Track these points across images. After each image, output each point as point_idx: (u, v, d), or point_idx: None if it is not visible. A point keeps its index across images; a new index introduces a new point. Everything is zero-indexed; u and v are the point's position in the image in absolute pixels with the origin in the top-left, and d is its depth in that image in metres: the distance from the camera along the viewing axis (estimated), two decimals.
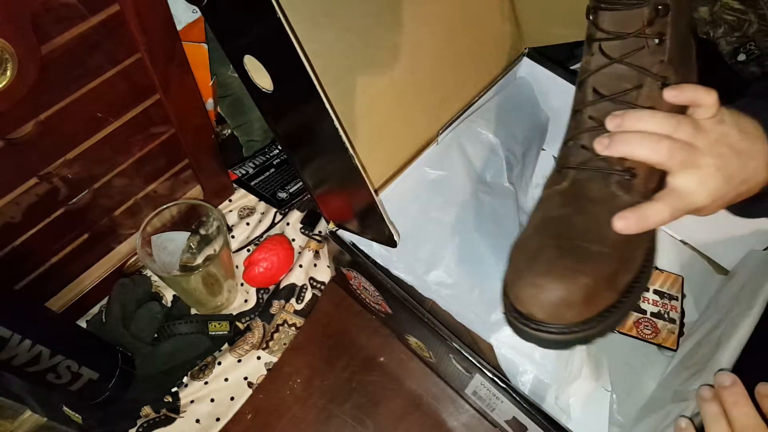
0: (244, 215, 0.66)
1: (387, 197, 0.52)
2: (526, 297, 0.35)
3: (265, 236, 0.64)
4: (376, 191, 0.42)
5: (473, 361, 0.43)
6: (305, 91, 0.35)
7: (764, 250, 0.52)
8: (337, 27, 0.44)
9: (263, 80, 0.39)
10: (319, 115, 0.36)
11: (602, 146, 0.37)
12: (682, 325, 0.54)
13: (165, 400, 0.54)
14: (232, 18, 0.37)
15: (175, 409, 0.53)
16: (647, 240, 0.39)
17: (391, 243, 0.45)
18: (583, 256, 0.35)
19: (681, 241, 0.61)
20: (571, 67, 0.78)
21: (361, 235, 0.49)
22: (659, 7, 0.37)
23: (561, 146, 0.42)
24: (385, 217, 0.43)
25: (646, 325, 0.54)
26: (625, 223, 0.35)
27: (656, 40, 0.38)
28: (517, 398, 0.43)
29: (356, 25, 0.45)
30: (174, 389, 0.54)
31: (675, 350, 0.53)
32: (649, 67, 0.39)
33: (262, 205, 0.67)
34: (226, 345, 0.57)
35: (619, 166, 0.38)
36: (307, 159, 0.46)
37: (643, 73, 0.39)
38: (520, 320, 0.36)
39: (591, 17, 0.39)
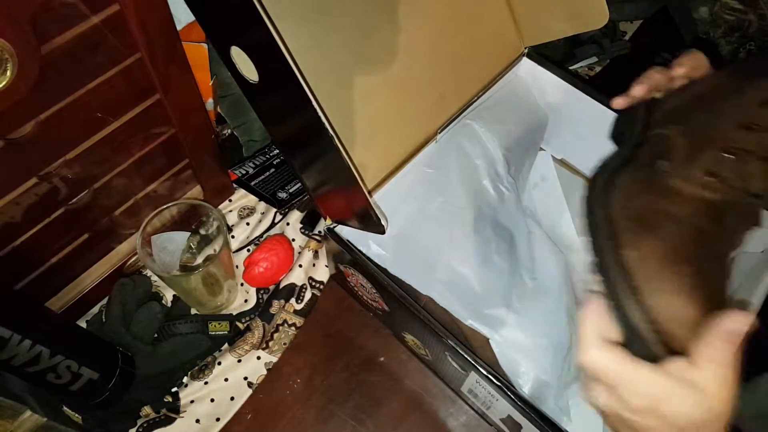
0: (244, 215, 0.66)
1: (385, 195, 0.52)
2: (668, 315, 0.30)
3: (265, 236, 0.64)
4: (369, 192, 0.43)
5: (467, 357, 0.43)
6: (290, 88, 0.35)
7: (761, 252, 0.52)
8: (327, 24, 0.44)
9: (249, 71, 0.39)
10: (310, 119, 0.36)
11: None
12: None
13: (165, 400, 0.54)
14: (219, 18, 0.37)
15: (175, 409, 0.53)
16: None
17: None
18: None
19: None
20: (571, 68, 0.79)
21: (363, 230, 0.49)
22: None
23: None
24: (381, 218, 0.43)
25: None
26: None
27: None
28: (512, 395, 0.43)
29: (347, 22, 0.45)
30: (174, 389, 0.54)
31: None
32: None
33: (262, 205, 0.67)
34: (226, 345, 0.57)
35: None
36: (303, 162, 0.46)
37: None
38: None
39: None
